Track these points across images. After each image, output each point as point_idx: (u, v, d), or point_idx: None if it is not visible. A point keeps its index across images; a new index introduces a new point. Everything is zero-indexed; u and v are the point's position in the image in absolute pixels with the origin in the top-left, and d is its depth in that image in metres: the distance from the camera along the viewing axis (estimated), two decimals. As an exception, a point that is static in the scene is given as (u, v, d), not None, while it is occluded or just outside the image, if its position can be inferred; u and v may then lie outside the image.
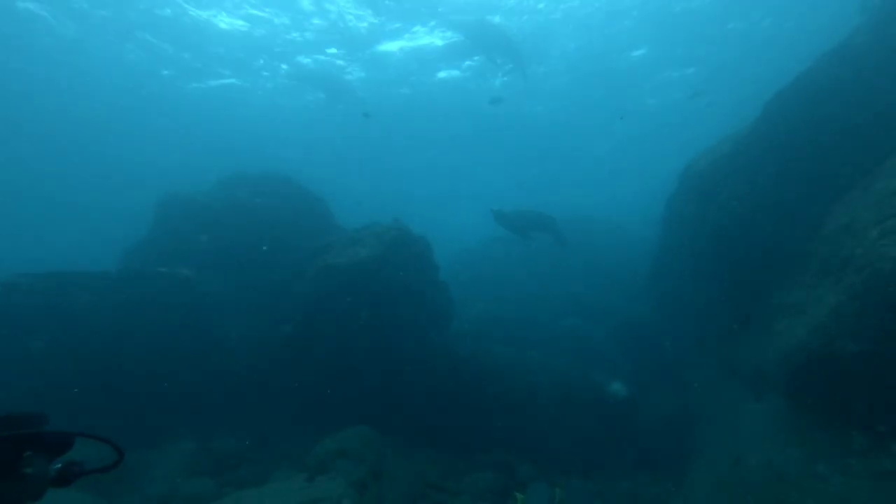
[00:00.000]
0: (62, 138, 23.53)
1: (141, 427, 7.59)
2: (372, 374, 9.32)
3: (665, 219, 13.52)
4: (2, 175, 27.19)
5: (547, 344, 13.80)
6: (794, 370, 5.78)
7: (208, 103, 21.91)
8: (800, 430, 5.61)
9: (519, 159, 32.45)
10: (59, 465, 1.88)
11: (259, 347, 9.25)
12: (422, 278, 10.69)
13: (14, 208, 32.62)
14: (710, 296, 9.45)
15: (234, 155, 18.10)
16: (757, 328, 7.66)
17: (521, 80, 20.26)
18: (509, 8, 17.33)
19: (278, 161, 14.88)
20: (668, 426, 9.66)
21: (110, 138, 24.26)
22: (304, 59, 19.62)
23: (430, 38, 18.91)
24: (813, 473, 5.11)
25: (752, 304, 7.98)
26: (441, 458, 8.99)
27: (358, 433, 7.58)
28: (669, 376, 11.07)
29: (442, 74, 21.67)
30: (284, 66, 19.92)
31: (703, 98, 18.47)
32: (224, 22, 16.97)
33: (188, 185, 12.33)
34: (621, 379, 11.42)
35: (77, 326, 8.15)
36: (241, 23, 17.07)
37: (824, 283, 6.35)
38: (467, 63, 20.62)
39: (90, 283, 8.64)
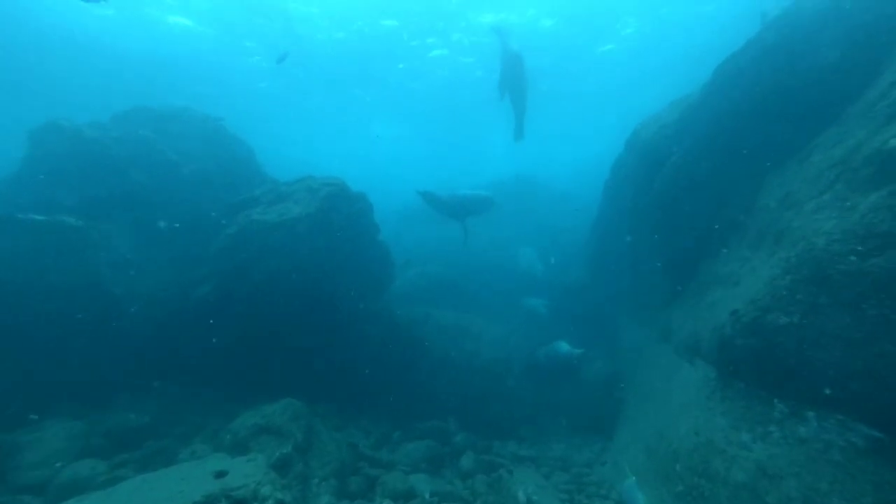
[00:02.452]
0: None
1: (15, 405, 6.56)
2: (302, 342, 8.71)
3: (609, 184, 13.52)
4: None
5: (489, 308, 13.75)
6: (725, 340, 5.83)
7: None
8: (727, 398, 5.72)
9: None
10: None
11: (169, 310, 8.29)
12: (361, 240, 10.03)
13: None
14: (649, 263, 9.55)
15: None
16: (693, 297, 7.78)
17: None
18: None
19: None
20: (602, 390, 9.89)
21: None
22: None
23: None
24: (737, 441, 5.23)
25: (690, 273, 8.09)
26: (375, 428, 8.71)
27: (284, 406, 7.03)
28: (606, 341, 11.30)
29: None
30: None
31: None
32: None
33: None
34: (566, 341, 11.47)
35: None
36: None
37: (758, 255, 6.41)
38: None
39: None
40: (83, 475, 5.78)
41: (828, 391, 4.93)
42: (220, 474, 5.05)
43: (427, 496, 6.35)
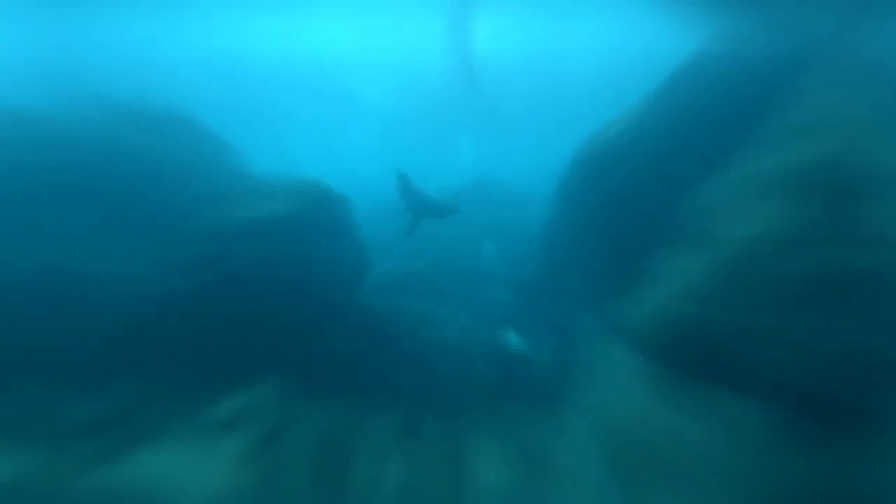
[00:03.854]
0: None
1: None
2: (277, 332, 9.04)
3: (563, 185, 14.36)
4: None
5: (453, 300, 14.36)
6: (661, 332, 6.67)
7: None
8: (667, 386, 6.52)
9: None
10: None
11: (141, 296, 8.39)
12: (341, 239, 10.45)
13: None
14: (600, 260, 10.44)
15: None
16: (635, 291, 8.68)
17: None
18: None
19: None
20: (555, 376, 10.73)
21: None
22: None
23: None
24: (675, 425, 6.03)
25: (634, 270, 8.99)
26: (347, 415, 9.13)
27: (261, 392, 7.40)
28: (561, 332, 12.16)
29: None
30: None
31: None
32: None
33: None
34: (518, 333, 12.36)
35: None
36: None
37: (687, 254, 7.31)
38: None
39: None
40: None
41: (748, 378, 5.81)
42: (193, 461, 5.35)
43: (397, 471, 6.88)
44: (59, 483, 5.65)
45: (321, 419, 8.76)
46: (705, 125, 8.15)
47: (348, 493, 6.76)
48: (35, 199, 8.57)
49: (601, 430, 7.11)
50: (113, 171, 9.41)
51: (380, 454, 7.71)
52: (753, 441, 5.48)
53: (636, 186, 8.98)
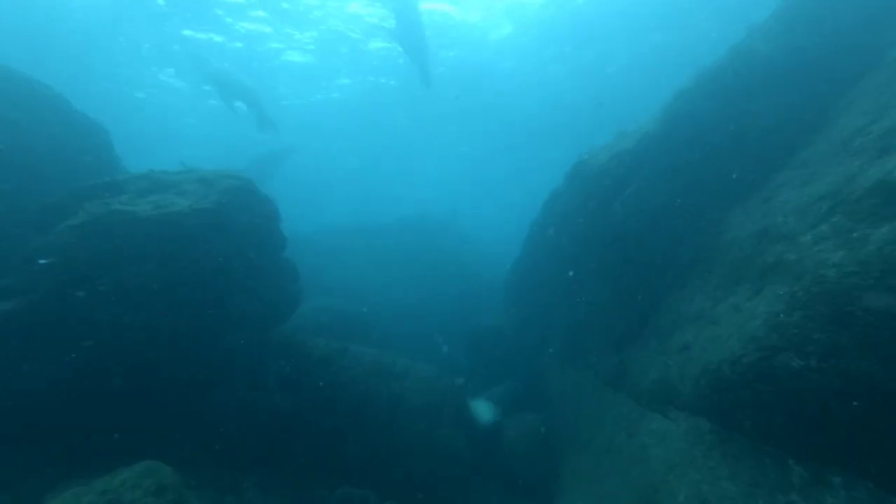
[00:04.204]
0: None
1: None
2: (174, 378, 6.28)
3: (538, 222, 13.09)
4: None
5: (405, 348, 12.13)
6: (723, 386, 5.02)
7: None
8: (729, 456, 4.82)
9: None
10: None
11: None
12: (267, 250, 7.95)
13: None
14: (595, 301, 8.85)
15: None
16: (655, 338, 7.07)
17: None
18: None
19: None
20: (537, 447, 8.75)
21: None
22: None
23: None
24: None
25: (648, 312, 7.44)
26: (266, 501, 6.44)
27: (142, 472, 4.66)
28: (534, 390, 10.35)
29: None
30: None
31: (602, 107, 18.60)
32: None
33: None
34: (486, 397, 10.47)
35: None
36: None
37: (739, 292, 5.88)
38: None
39: None
40: None
41: (855, 452, 4.24)
42: None
43: None
44: None
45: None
46: (735, 141, 7.07)
47: None
48: None
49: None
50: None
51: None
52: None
53: (651, 212, 7.63)
